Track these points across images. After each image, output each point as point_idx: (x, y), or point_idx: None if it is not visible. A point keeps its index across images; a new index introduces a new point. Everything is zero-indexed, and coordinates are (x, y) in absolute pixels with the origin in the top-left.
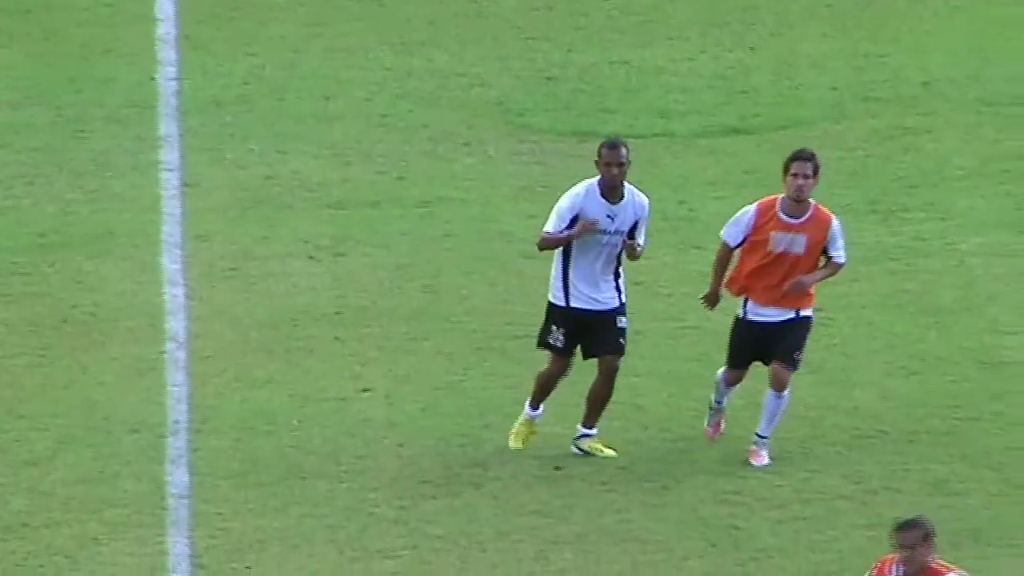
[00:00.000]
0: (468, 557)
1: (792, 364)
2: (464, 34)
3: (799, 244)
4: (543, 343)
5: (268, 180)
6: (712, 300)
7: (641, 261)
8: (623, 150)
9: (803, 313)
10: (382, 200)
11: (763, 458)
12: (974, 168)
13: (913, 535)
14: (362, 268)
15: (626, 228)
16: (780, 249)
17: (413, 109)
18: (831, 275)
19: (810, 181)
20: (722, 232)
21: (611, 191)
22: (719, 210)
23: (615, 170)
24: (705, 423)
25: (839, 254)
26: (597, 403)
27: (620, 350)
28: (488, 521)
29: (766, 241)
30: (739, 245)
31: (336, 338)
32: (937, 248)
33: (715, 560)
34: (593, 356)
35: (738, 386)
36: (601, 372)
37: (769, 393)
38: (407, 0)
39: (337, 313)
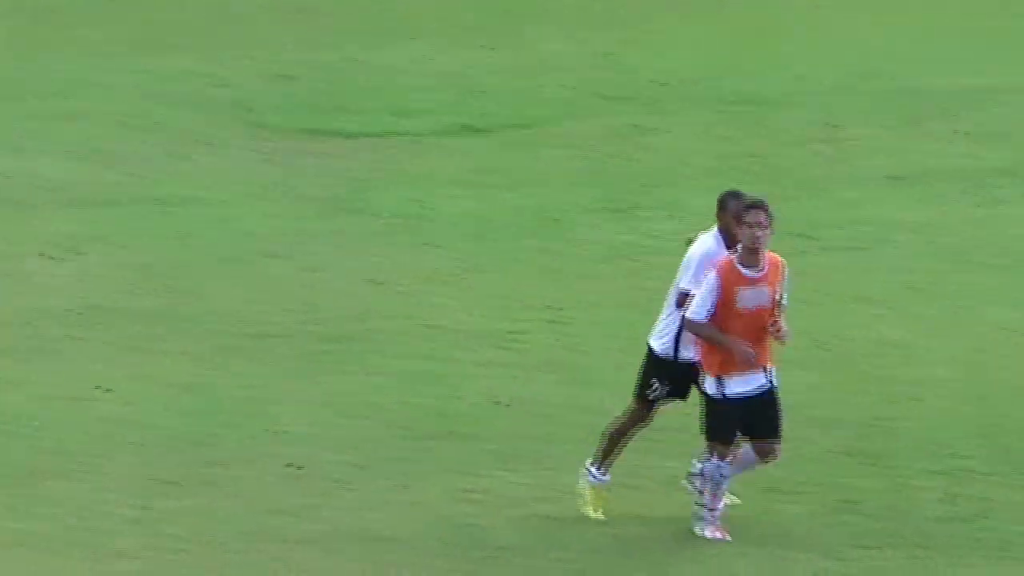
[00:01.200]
0: (209, 557)
1: (780, 436)
2: (204, 33)
3: (765, 297)
4: (641, 395)
5: (6, 178)
6: (747, 357)
7: (378, 258)
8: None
9: (774, 378)
10: (122, 199)
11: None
12: (710, 167)
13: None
14: (102, 267)
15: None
16: (752, 306)
17: (153, 108)
18: None
19: (767, 231)
20: (689, 315)
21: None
22: (456, 208)
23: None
24: (701, 529)
25: (785, 296)
26: None
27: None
28: (229, 521)
29: (734, 300)
30: (707, 317)
31: (76, 338)
32: (673, 247)
33: (456, 558)
34: (681, 398)
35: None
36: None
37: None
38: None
39: (78, 313)
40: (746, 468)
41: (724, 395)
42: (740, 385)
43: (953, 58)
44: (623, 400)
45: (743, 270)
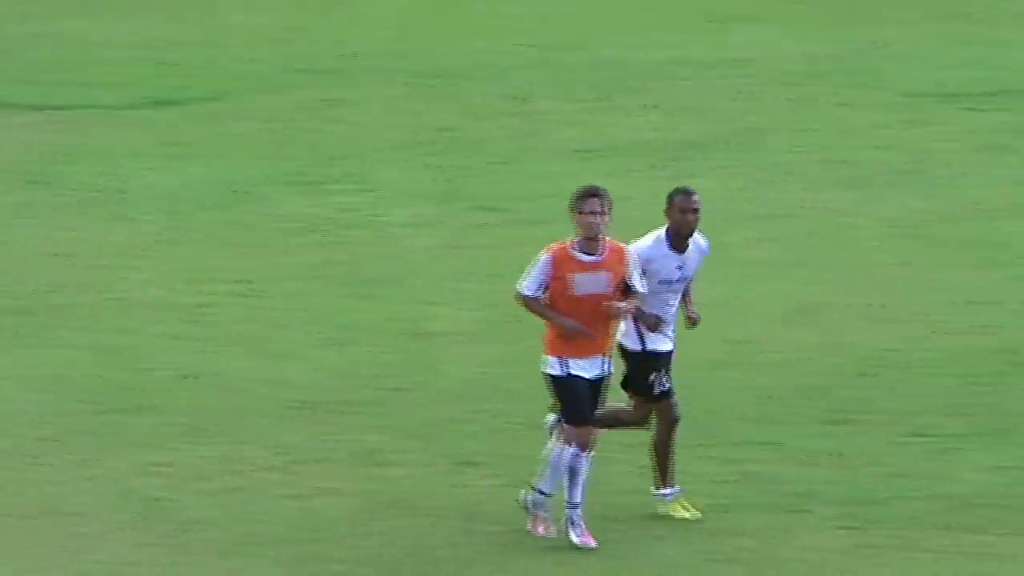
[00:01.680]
0: None
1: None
2: None
3: (603, 283)
4: (634, 388)
5: None
6: (577, 330)
7: (68, 232)
8: (697, 196)
9: (610, 366)
10: None
11: (587, 536)
12: (398, 140)
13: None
14: None
15: (691, 274)
16: (586, 291)
17: None
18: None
19: (605, 217)
20: (519, 287)
21: (681, 241)
22: (146, 181)
23: (691, 216)
24: (531, 522)
25: (639, 283)
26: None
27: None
28: None
29: (567, 285)
30: (538, 294)
31: None
32: (363, 220)
33: (144, 532)
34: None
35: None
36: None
37: (570, 451)
38: None
39: None
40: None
41: (568, 373)
42: (581, 368)
43: (643, 31)
44: (317, 374)
45: (579, 255)
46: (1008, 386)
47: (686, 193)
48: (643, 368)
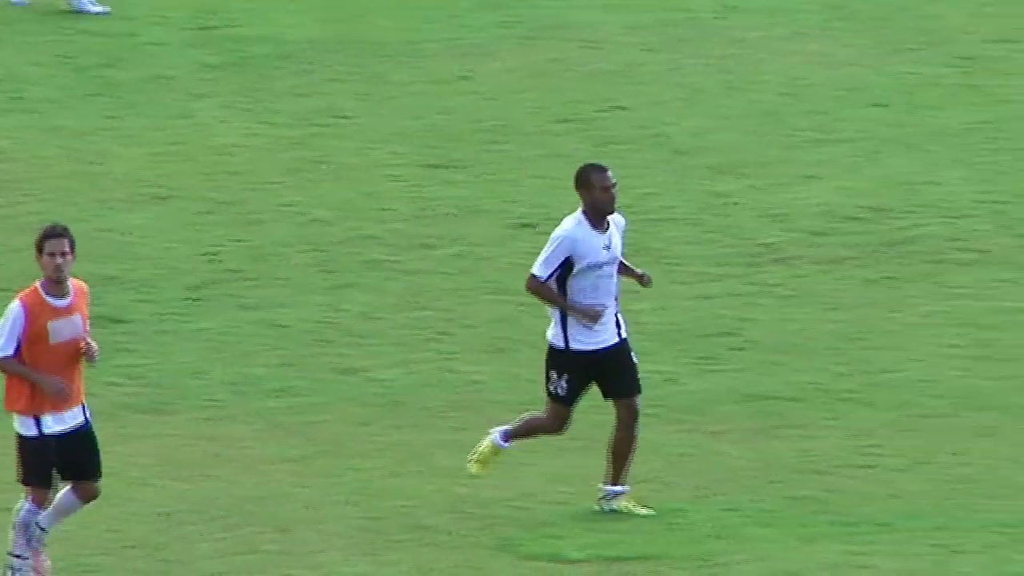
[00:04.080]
0: None
1: (100, 474)
2: None
3: (77, 326)
4: (547, 393)
5: None
6: (60, 393)
7: None
8: (611, 171)
9: (89, 415)
10: None
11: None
12: None
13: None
14: None
15: (618, 254)
16: (64, 338)
17: None
18: None
19: (69, 257)
20: None
21: (601, 219)
22: None
23: (611, 193)
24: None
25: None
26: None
27: (639, 389)
28: None
29: (46, 335)
30: (17, 353)
31: None
32: None
33: None
34: (611, 397)
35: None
36: (620, 417)
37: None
38: None
39: None
40: (67, 514)
41: (41, 433)
42: (57, 423)
43: None
44: None
45: (52, 301)
46: None
47: (600, 170)
48: (552, 364)
